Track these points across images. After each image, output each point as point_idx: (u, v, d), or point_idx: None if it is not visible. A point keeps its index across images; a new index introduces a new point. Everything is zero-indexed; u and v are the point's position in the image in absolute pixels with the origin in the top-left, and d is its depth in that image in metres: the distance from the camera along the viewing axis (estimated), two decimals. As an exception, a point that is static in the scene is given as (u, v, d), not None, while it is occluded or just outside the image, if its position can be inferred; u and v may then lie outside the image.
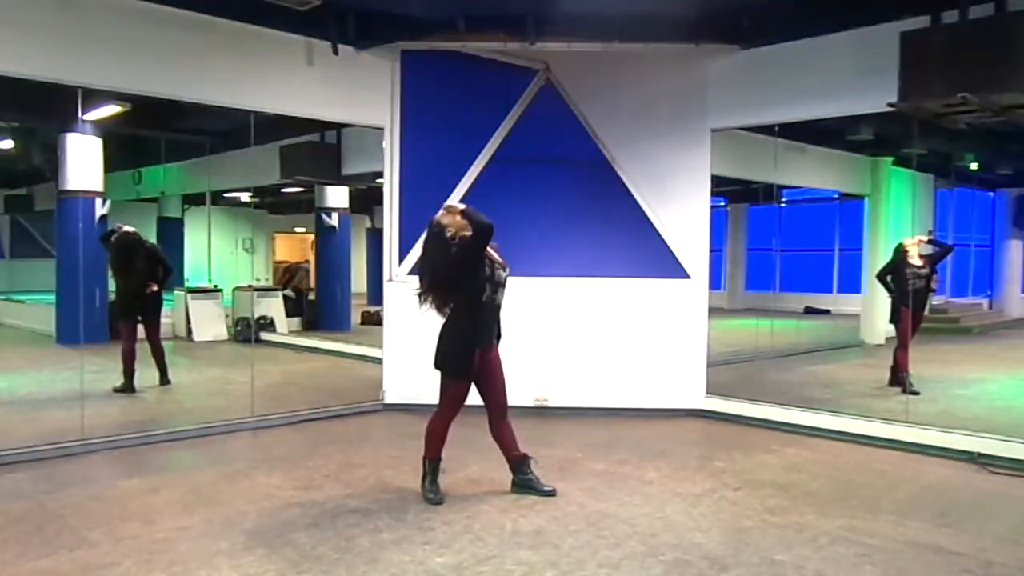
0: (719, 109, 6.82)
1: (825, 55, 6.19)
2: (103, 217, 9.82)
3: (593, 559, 3.74)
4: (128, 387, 7.56)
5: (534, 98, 7.16)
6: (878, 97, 5.51)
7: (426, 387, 7.01)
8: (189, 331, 11.26)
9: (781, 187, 10.90)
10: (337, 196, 12.87)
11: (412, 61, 6.97)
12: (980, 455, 5.45)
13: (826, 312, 14.09)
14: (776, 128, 7.18)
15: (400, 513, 4.34)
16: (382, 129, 7.03)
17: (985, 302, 14.54)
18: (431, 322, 6.97)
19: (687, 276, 6.96)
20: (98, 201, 9.86)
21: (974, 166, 12.25)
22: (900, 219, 12.35)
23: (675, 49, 6.76)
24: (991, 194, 14.66)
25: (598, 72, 7.02)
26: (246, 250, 14.41)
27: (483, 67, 7.03)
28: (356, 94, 6.84)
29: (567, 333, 7.00)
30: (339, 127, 9.96)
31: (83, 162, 9.78)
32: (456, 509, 4.42)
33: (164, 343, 8.12)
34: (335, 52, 6.49)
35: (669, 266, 6.96)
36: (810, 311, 13.84)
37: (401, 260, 7.02)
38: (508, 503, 4.53)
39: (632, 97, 7.08)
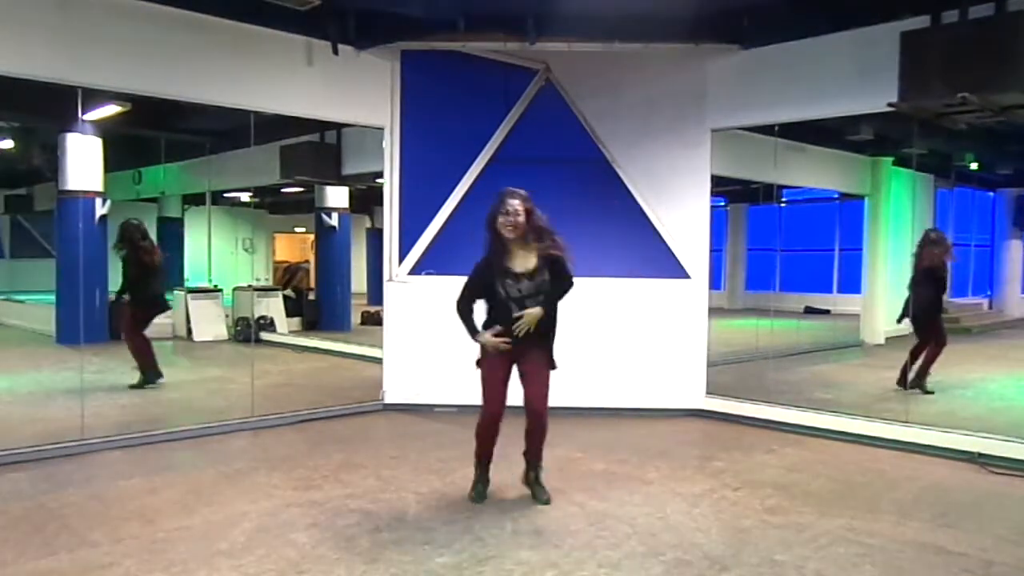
0: (719, 109, 6.81)
1: (825, 55, 6.17)
2: (103, 217, 9.83)
3: (593, 559, 3.74)
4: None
5: (534, 98, 7.16)
6: (878, 97, 5.51)
7: (425, 387, 7.12)
8: (189, 331, 11.26)
9: (781, 187, 10.88)
10: (337, 196, 12.86)
11: (412, 61, 6.97)
12: (980, 455, 5.45)
13: (826, 312, 14.10)
14: (776, 128, 7.15)
15: (400, 513, 4.34)
16: (382, 129, 7.02)
17: (985, 302, 14.54)
18: (431, 323, 7.06)
19: (687, 276, 6.96)
20: (98, 201, 9.85)
21: (974, 166, 12.21)
22: (900, 219, 12.36)
23: (675, 49, 6.74)
24: (991, 194, 14.65)
25: (598, 72, 7.01)
26: (246, 250, 14.41)
27: (483, 67, 7.02)
28: (356, 94, 6.83)
29: (568, 333, 6.93)
30: (339, 127, 9.96)
31: (83, 162, 9.78)
32: (456, 509, 4.42)
33: (166, 343, 8.17)
34: (335, 52, 6.49)
35: (669, 266, 6.96)
36: (810, 311, 13.85)
37: (401, 260, 7.02)
38: (508, 503, 4.53)
39: (632, 97, 7.08)
